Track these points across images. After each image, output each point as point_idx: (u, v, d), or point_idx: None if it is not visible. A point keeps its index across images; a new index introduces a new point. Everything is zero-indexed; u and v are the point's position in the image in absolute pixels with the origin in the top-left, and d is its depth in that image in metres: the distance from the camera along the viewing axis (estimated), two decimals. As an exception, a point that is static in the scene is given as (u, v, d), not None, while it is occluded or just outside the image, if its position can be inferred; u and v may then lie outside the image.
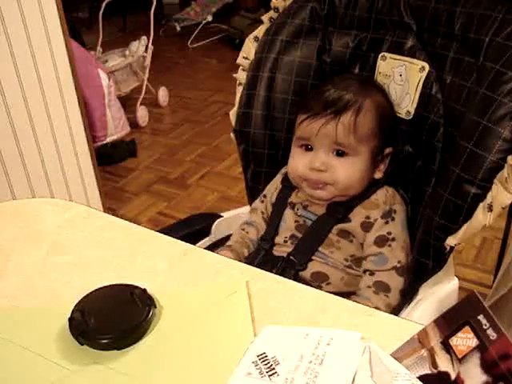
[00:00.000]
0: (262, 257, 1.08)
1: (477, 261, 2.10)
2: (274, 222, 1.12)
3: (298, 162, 1.07)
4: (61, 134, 1.92)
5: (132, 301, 0.67)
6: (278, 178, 1.18)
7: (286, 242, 1.08)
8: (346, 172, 1.03)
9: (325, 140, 1.02)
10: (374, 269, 1.02)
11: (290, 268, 1.03)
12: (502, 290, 1.41)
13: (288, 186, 1.13)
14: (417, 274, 0.99)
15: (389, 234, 1.03)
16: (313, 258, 1.04)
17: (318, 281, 1.02)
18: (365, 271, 1.03)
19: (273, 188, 1.17)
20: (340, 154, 1.03)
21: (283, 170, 1.18)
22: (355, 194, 1.06)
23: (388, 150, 1.07)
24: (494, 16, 0.90)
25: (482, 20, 0.92)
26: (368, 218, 1.04)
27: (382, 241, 1.03)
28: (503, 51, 0.87)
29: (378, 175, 1.08)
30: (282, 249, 1.08)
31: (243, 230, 1.17)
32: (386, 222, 1.04)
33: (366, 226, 1.04)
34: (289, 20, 1.14)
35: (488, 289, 1.71)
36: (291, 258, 1.04)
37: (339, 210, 1.05)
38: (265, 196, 1.18)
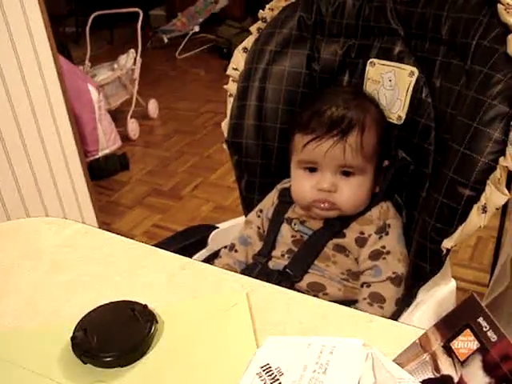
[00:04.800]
0: (258, 270, 1.08)
1: (473, 260, 2.11)
2: (270, 236, 1.12)
3: (304, 185, 1.06)
4: (52, 150, 1.92)
5: (133, 317, 0.68)
6: (273, 194, 1.18)
7: (283, 255, 1.08)
8: (354, 191, 1.03)
9: (332, 162, 1.02)
10: (369, 281, 1.02)
11: (285, 280, 1.03)
12: (499, 289, 1.41)
13: (284, 202, 1.14)
14: (415, 277, 1.00)
15: (383, 247, 1.03)
16: (309, 270, 1.05)
17: (314, 290, 1.03)
18: (362, 285, 1.03)
19: (269, 203, 1.17)
20: (347, 173, 1.03)
21: (279, 186, 1.18)
22: (359, 211, 1.06)
23: (386, 163, 1.08)
24: (479, 19, 0.91)
25: (468, 24, 0.93)
26: (362, 233, 1.05)
27: (376, 255, 1.03)
28: (490, 54, 0.88)
29: (377, 189, 1.08)
30: (279, 262, 1.08)
31: (233, 248, 1.17)
32: (380, 237, 1.04)
33: (361, 242, 1.04)
34: (277, 30, 1.15)
35: (485, 287, 1.72)
36: (287, 270, 1.05)
37: (336, 224, 1.06)
38: (261, 211, 1.18)
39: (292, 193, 1.10)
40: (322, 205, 1.04)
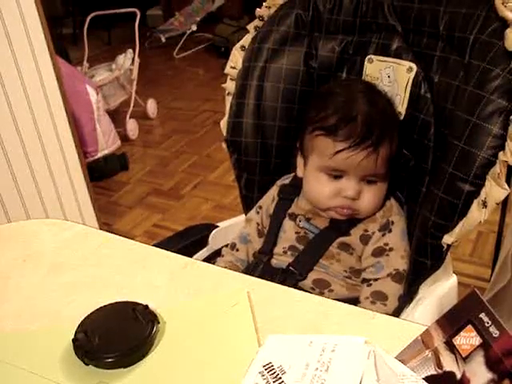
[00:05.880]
0: (261, 269, 1.08)
1: (473, 255, 2.11)
2: (272, 233, 1.12)
3: (325, 190, 1.04)
4: (52, 152, 1.92)
5: (135, 318, 0.67)
6: (273, 190, 1.17)
7: (285, 252, 1.08)
8: (375, 198, 1.04)
9: (362, 171, 1.01)
10: (370, 277, 1.02)
11: (289, 279, 1.03)
12: (501, 283, 1.41)
13: (286, 198, 1.13)
14: (416, 273, 1.00)
15: (386, 244, 1.04)
16: (313, 268, 1.05)
17: (320, 287, 1.03)
18: (363, 282, 1.04)
19: (269, 200, 1.17)
20: (371, 181, 1.03)
21: (279, 183, 1.18)
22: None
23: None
24: (477, 14, 0.91)
25: (465, 18, 0.92)
26: (366, 230, 1.05)
27: (379, 252, 1.03)
28: (488, 48, 0.87)
29: None
30: (281, 258, 1.08)
31: (234, 247, 1.17)
32: (383, 235, 1.04)
33: (365, 239, 1.05)
34: (274, 28, 1.14)
35: (486, 282, 1.72)
36: (291, 268, 1.05)
37: (343, 224, 1.06)
38: (260, 207, 1.18)
39: (308, 194, 1.09)
40: (344, 211, 1.04)
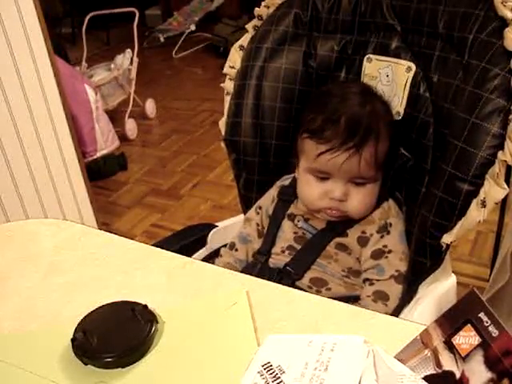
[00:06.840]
0: (258, 269, 1.08)
1: (472, 255, 2.11)
2: (271, 233, 1.12)
3: (314, 192, 1.04)
4: (50, 151, 1.92)
5: (134, 318, 0.67)
6: (273, 190, 1.17)
7: (283, 251, 1.08)
8: (365, 199, 1.03)
9: (346, 174, 1.00)
10: (373, 278, 1.02)
11: (286, 278, 1.03)
12: (500, 282, 1.41)
13: (285, 200, 1.13)
14: (415, 273, 1.00)
15: (385, 247, 1.03)
16: (310, 267, 1.04)
17: (317, 286, 1.03)
18: (365, 281, 1.03)
19: (268, 201, 1.17)
20: (359, 183, 1.02)
21: (278, 183, 1.17)
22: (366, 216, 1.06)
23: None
24: (476, 13, 0.91)
25: (464, 18, 0.92)
26: (364, 232, 1.05)
27: (378, 254, 1.03)
28: (487, 48, 0.87)
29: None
30: (278, 258, 1.08)
31: (233, 247, 1.17)
32: (382, 237, 1.04)
33: (362, 241, 1.04)
34: (273, 27, 1.14)
35: (485, 282, 1.73)
36: (287, 268, 1.05)
37: (339, 225, 1.06)
38: (260, 208, 1.18)
39: (300, 196, 1.09)
40: (333, 212, 1.04)
